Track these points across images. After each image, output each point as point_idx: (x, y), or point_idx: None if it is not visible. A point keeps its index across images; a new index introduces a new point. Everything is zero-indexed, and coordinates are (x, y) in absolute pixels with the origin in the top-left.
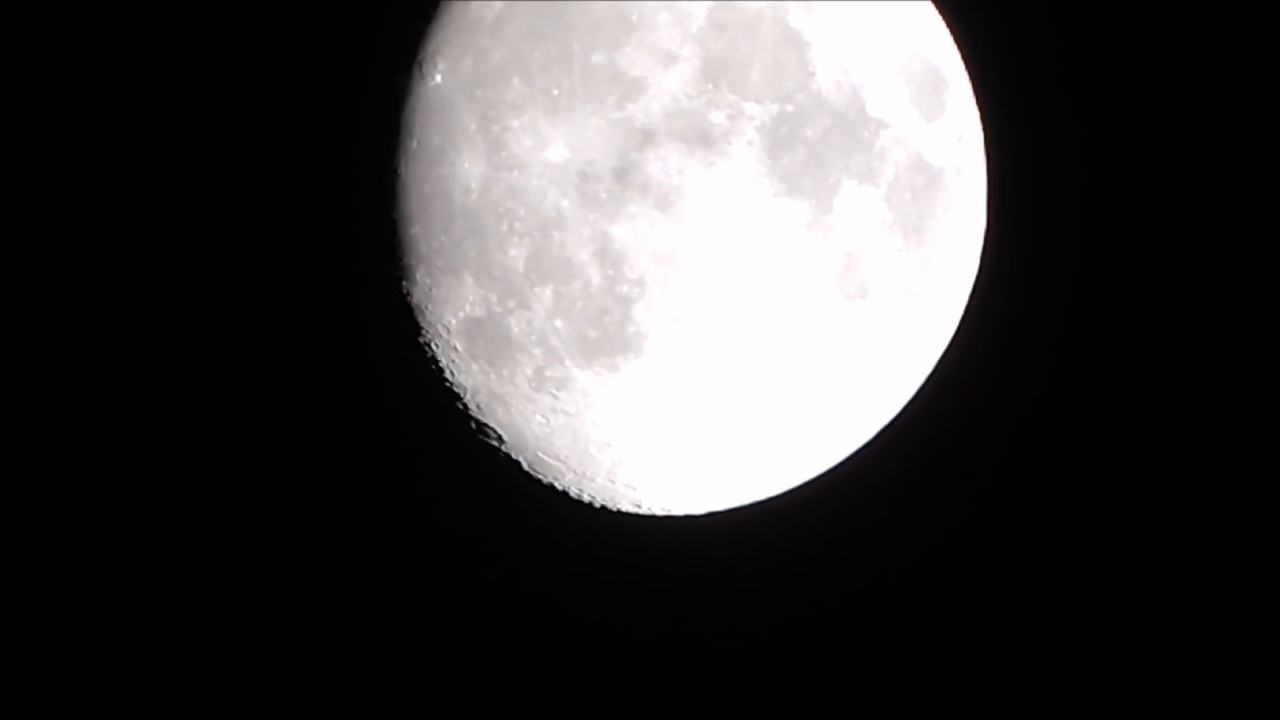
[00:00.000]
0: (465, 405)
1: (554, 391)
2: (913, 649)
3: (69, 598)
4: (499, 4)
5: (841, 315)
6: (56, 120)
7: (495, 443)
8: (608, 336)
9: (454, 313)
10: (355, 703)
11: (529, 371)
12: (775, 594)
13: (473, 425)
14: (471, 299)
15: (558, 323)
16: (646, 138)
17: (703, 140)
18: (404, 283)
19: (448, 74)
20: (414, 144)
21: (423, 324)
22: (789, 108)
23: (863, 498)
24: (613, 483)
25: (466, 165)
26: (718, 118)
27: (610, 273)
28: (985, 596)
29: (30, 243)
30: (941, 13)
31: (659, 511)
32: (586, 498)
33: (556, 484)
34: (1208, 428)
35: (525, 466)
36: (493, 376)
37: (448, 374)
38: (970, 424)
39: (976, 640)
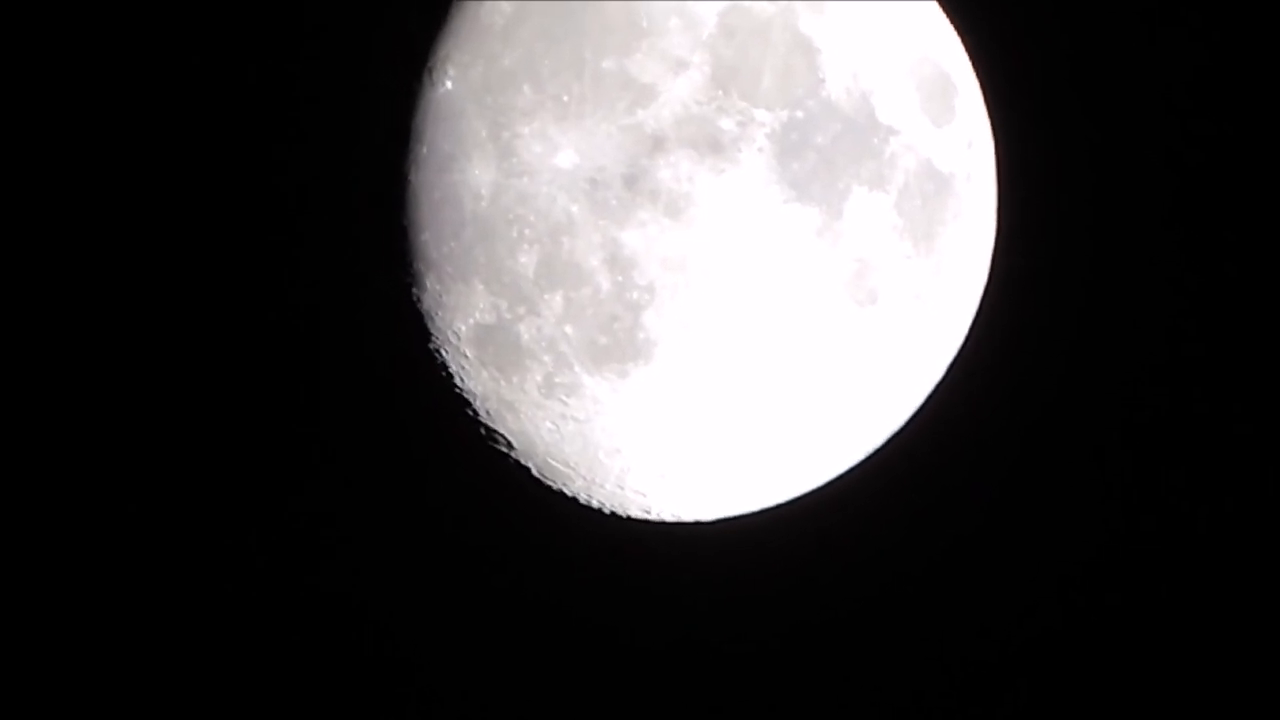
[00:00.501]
0: (475, 411)
1: (563, 398)
2: (922, 654)
3: (69, 598)
4: (509, 9)
5: (852, 321)
6: (60, 121)
7: (505, 449)
8: (617, 343)
9: (464, 319)
10: (357, 705)
11: (539, 378)
12: (785, 600)
13: (482, 431)
14: (481, 305)
15: (567, 329)
16: (657, 144)
17: (713, 147)
18: (414, 289)
19: (458, 80)
20: (424, 150)
21: (432, 330)
22: (799, 114)
23: (873, 504)
24: (622, 489)
25: (477, 172)
26: (728, 124)
27: (620, 279)
28: (995, 601)
29: (30, 243)
30: (950, 18)
31: (668, 518)
32: (596, 504)
33: (566, 490)
34: (1217, 432)
35: (535, 472)
36: (502, 383)
37: (457, 380)
38: (980, 430)
39: (986, 646)
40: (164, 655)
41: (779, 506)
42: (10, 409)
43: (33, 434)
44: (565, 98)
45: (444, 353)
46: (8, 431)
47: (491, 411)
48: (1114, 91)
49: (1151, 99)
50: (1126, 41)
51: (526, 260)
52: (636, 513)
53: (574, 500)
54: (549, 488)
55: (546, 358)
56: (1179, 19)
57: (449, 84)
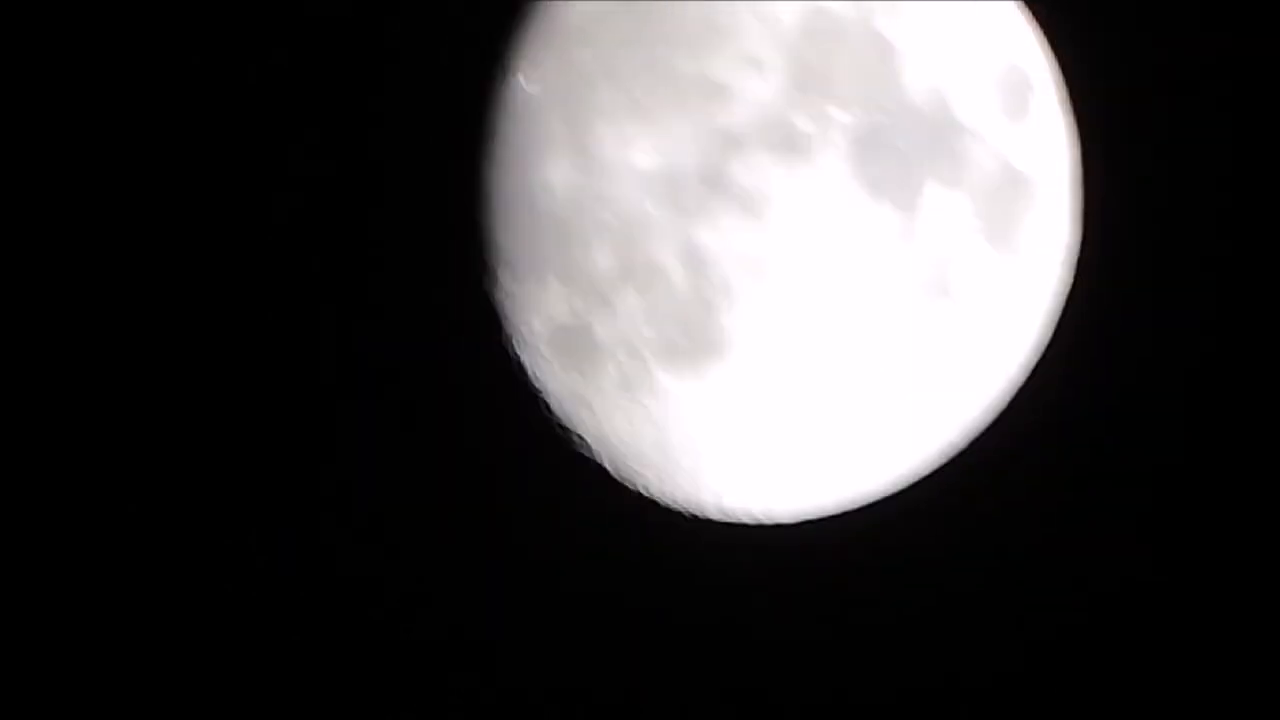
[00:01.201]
0: (551, 409)
1: (640, 396)
2: (964, 654)
3: (69, 597)
4: (589, 9)
5: (929, 320)
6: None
7: (581, 447)
8: (693, 342)
9: (540, 317)
10: (365, 705)
11: (614, 376)
12: (860, 603)
13: (558, 430)
14: (557, 303)
15: (644, 327)
16: (734, 144)
17: (790, 147)
18: (492, 287)
19: (537, 80)
20: (502, 148)
21: (509, 328)
22: (877, 114)
23: (952, 510)
24: (698, 488)
25: (554, 170)
26: (805, 124)
27: (697, 278)
28: (1032, 614)
29: (38, 244)
30: (1029, 16)
31: (745, 518)
32: (671, 503)
33: (642, 489)
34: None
35: (610, 471)
36: (578, 380)
37: (533, 378)
38: (1061, 434)
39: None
40: (159, 653)
41: (858, 511)
42: (10, 409)
43: (31, 433)
44: (643, 98)
45: (520, 351)
46: (7, 431)
47: (568, 409)
48: (1197, 92)
49: (1238, 101)
50: (1208, 41)
51: (602, 259)
52: (713, 513)
53: (649, 499)
54: (624, 486)
55: (622, 356)
56: (1269, 18)
57: (527, 83)
